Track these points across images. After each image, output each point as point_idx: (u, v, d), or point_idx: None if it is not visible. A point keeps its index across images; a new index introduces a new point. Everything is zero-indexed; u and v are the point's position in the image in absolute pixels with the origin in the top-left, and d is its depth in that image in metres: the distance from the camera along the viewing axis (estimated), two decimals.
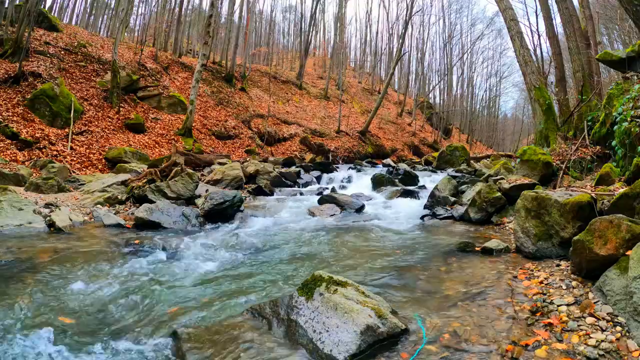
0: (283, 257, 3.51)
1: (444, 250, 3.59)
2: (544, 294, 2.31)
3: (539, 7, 13.71)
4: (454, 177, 7.67)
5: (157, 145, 11.47)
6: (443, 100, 33.75)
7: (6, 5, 12.15)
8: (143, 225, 4.47)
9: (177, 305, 2.41)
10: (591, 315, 1.98)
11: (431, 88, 35.00)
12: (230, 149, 14.23)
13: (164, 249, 3.60)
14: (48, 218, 4.27)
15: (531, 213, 3.20)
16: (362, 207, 6.02)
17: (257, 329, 2.02)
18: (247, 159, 12.21)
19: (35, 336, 1.95)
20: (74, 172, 8.05)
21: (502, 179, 5.78)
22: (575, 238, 2.44)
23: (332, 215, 5.55)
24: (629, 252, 2.02)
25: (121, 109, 11.92)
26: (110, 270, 2.95)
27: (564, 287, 2.37)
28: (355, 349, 1.74)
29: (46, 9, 17.61)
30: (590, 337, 1.80)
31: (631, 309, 1.82)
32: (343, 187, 8.67)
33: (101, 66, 13.42)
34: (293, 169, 10.15)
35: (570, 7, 9.17)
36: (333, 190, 7.88)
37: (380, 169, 11.92)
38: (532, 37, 32.32)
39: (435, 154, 15.73)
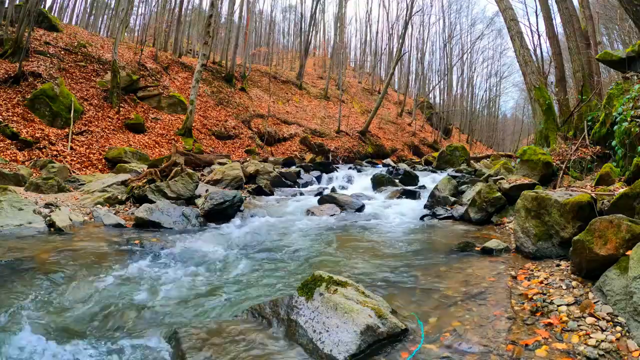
0: (283, 257, 3.52)
1: (444, 250, 3.59)
2: (544, 294, 2.31)
3: (539, 7, 13.71)
4: (454, 177, 7.67)
5: (157, 145, 11.47)
6: (443, 100, 33.77)
7: (6, 5, 12.15)
8: (143, 225, 4.47)
9: (177, 305, 2.41)
10: (591, 315, 1.98)
11: (431, 88, 35.03)
12: (230, 149, 14.23)
13: (164, 249, 3.60)
14: (48, 218, 4.27)
15: (531, 213, 3.20)
16: (362, 207, 6.02)
17: (257, 329, 2.02)
18: (247, 159, 12.21)
19: (34, 336, 1.95)
20: (74, 172, 8.05)
21: (502, 179, 5.78)
22: (575, 238, 2.44)
23: (332, 215, 5.54)
24: (629, 252, 2.02)
25: (121, 109, 11.93)
26: (110, 270, 2.95)
27: (564, 287, 2.37)
28: (355, 349, 1.73)
29: (46, 9, 17.61)
30: (590, 337, 1.80)
31: (631, 309, 1.82)
32: (343, 187, 8.67)
33: (101, 66, 13.43)
34: (293, 169, 10.15)
35: (570, 7, 9.17)
36: (333, 190, 7.88)
37: (380, 169, 11.93)
38: (532, 37, 32.32)
39: (435, 154, 15.74)
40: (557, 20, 10.68)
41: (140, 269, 3.02)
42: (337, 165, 13.23)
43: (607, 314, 1.96)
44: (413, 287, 2.65)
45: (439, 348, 1.81)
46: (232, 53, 19.66)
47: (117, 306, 2.36)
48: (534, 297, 2.29)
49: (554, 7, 10.68)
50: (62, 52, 12.83)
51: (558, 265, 2.78)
